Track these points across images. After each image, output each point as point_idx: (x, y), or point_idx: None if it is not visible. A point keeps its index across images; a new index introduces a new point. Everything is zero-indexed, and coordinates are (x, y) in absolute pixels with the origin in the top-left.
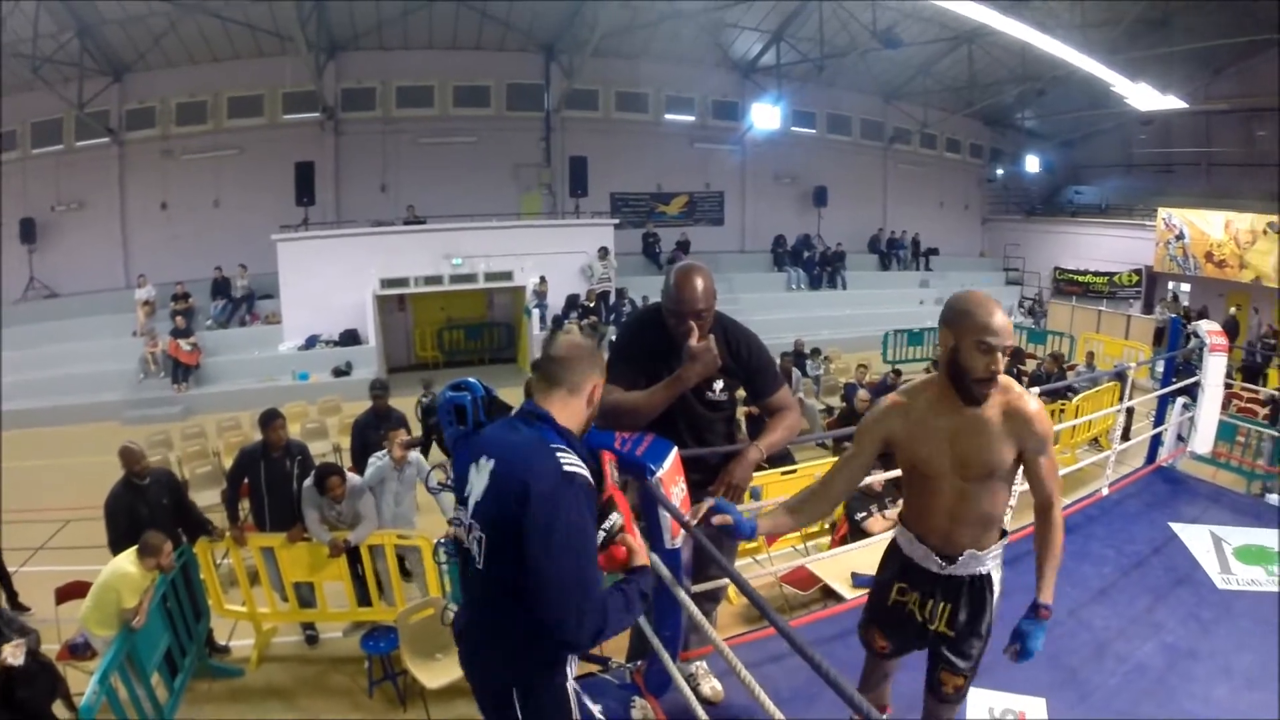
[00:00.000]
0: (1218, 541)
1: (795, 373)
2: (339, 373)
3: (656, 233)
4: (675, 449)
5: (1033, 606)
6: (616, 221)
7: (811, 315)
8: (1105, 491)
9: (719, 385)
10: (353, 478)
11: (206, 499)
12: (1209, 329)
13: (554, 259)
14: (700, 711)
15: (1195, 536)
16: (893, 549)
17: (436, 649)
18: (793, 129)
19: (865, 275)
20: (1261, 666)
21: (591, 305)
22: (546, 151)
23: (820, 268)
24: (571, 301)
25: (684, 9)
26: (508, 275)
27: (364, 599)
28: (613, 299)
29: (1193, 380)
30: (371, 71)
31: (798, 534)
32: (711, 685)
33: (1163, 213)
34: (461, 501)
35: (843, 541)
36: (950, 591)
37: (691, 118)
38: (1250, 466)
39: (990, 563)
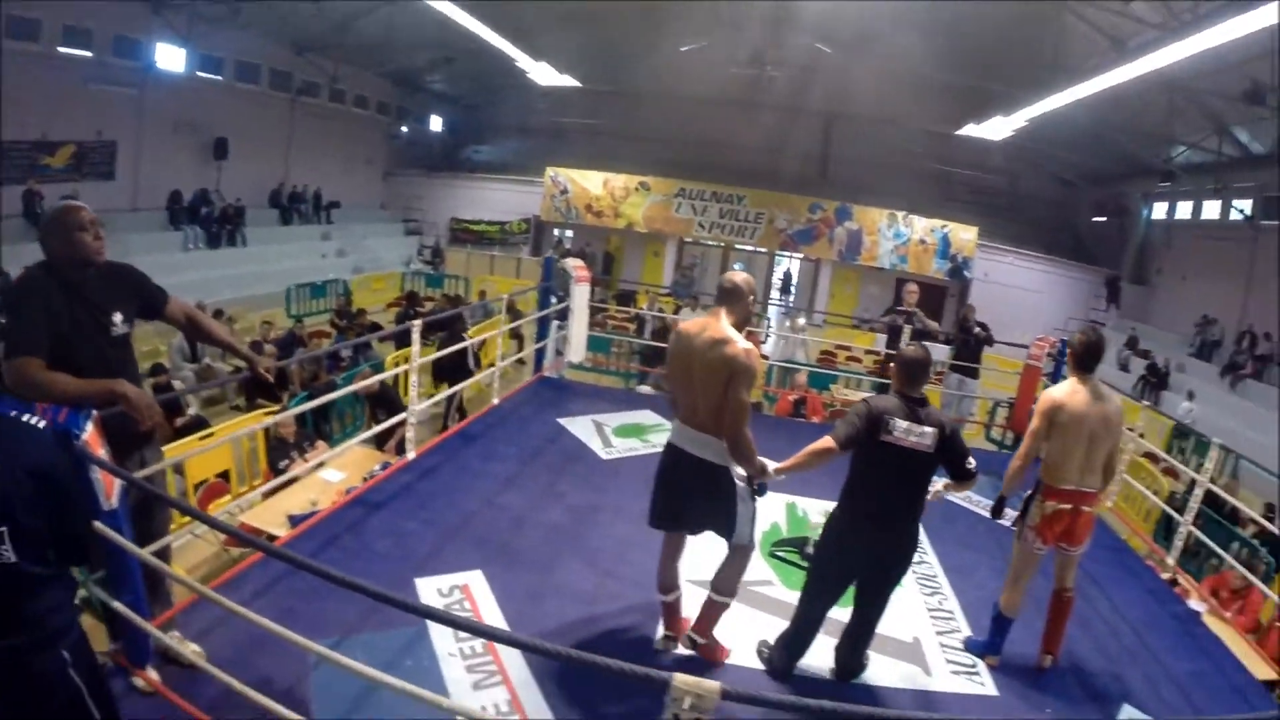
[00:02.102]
0: (599, 426)
1: None
2: None
3: (40, 190)
4: (95, 413)
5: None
6: None
7: (212, 275)
8: (496, 401)
9: (118, 318)
10: None
11: None
12: (575, 264)
13: None
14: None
15: (580, 426)
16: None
17: None
18: (198, 73)
19: (266, 231)
20: (643, 507)
21: None
22: None
23: (219, 225)
24: None
25: None
26: None
27: None
28: None
29: (563, 305)
30: None
31: (230, 495)
32: (191, 649)
33: (550, 171)
34: None
35: (272, 492)
36: None
37: (89, 53)
38: (625, 369)
39: None
